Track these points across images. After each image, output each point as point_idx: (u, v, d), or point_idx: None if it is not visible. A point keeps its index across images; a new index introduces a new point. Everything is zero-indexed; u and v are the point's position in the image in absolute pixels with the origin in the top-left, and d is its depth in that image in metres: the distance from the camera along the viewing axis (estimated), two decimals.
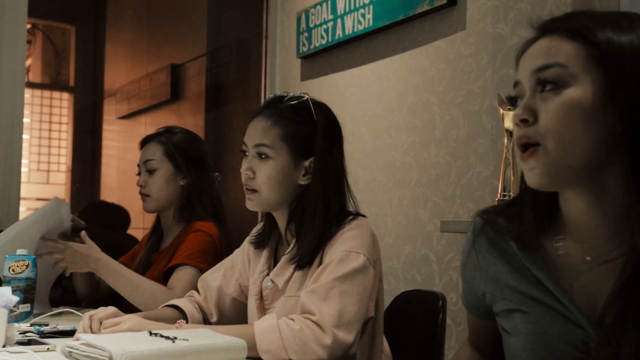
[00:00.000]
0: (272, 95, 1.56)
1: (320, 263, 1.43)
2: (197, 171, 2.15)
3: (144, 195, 2.14)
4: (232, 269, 1.66)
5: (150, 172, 2.13)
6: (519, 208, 1.03)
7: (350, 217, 1.47)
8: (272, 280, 1.50)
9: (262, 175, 1.47)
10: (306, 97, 1.51)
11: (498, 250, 1.04)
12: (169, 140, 2.15)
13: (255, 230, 1.65)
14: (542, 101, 0.91)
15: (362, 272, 1.39)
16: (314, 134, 1.49)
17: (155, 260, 2.14)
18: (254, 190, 1.49)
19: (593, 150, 0.88)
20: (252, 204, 1.51)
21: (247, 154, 1.51)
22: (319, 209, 1.45)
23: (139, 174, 2.17)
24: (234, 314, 1.63)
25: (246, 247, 1.66)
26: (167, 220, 2.17)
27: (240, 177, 1.51)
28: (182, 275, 1.94)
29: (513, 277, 1.01)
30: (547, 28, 0.96)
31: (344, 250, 1.39)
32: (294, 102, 1.50)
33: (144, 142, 2.20)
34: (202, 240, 2.00)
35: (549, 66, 0.91)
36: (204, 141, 2.27)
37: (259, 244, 1.60)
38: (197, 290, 1.69)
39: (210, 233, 2.03)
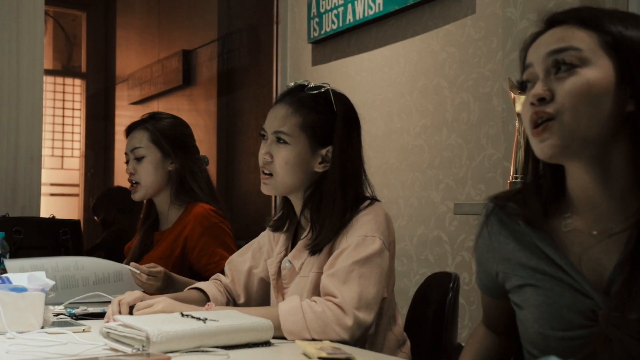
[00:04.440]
0: (293, 83, 1.60)
1: (330, 248, 1.49)
2: (185, 155, 2.19)
3: (134, 183, 2.18)
4: (260, 250, 1.72)
5: (139, 159, 2.16)
6: (524, 195, 1.11)
7: (366, 203, 1.52)
8: (289, 262, 1.56)
9: (279, 159, 1.52)
10: (327, 87, 1.56)
11: (509, 231, 1.12)
12: (155, 127, 2.18)
13: (275, 215, 1.71)
14: (557, 81, 1.00)
15: (379, 255, 1.45)
16: (332, 123, 1.54)
17: (157, 239, 2.20)
18: (270, 175, 1.54)
19: (604, 126, 0.98)
20: (266, 187, 1.56)
21: (265, 138, 1.56)
22: (337, 199, 1.50)
23: (127, 161, 2.21)
24: (261, 294, 1.70)
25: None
26: (163, 204, 2.21)
27: (252, 161, 1.55)
28: None
29: (524, 255, 1.09)
30: (558, 19, 1.04)
31: (360, 235, 1.45)
32: (314, 92, 1.55)
33: (130, 130, 2.22)
34: (226, 229, 2.13)
35: (565, 49, 1.00)
36: (188, 125, 2.30)
37: (276, 228, 1.66)
38: (224, 273, 1.76)
39: (222, 217, 2.14)
